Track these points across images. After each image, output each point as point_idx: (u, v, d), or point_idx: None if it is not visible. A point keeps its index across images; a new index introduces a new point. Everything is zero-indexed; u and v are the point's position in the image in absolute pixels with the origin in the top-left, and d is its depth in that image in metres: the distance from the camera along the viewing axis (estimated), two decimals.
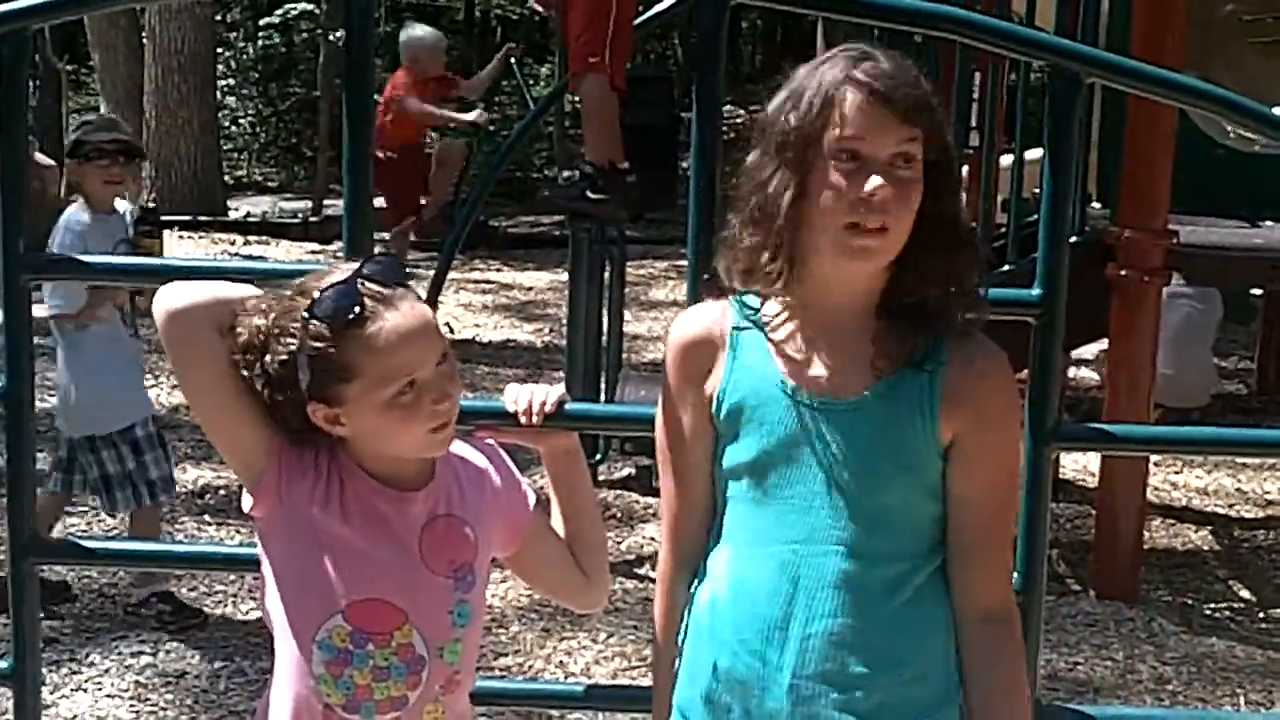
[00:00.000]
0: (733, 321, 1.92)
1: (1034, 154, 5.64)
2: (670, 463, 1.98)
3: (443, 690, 1.94)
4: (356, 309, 1.81)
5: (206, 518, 5.46)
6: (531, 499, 2.06)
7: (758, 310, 1.91)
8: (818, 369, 1.87)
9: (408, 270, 1.91)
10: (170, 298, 1.89)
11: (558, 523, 2.12)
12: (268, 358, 1.84)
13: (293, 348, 1.82)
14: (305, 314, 1.82)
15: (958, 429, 1.85)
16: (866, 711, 1.83)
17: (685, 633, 1.97)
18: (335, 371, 1.82)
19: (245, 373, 1.85)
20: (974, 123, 6.24)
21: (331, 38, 15.02)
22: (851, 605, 1.84)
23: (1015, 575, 2.21)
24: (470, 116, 9.00)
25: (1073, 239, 2.35)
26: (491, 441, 2.07)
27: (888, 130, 1.77)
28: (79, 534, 5.08)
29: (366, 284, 1.83)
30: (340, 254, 2.24)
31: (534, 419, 2.08)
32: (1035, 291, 2.23)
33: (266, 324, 1.84)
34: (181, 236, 11.96)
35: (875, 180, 1.76)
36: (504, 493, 2.02)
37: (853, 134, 1.78)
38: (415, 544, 1.91)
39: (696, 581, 1.97)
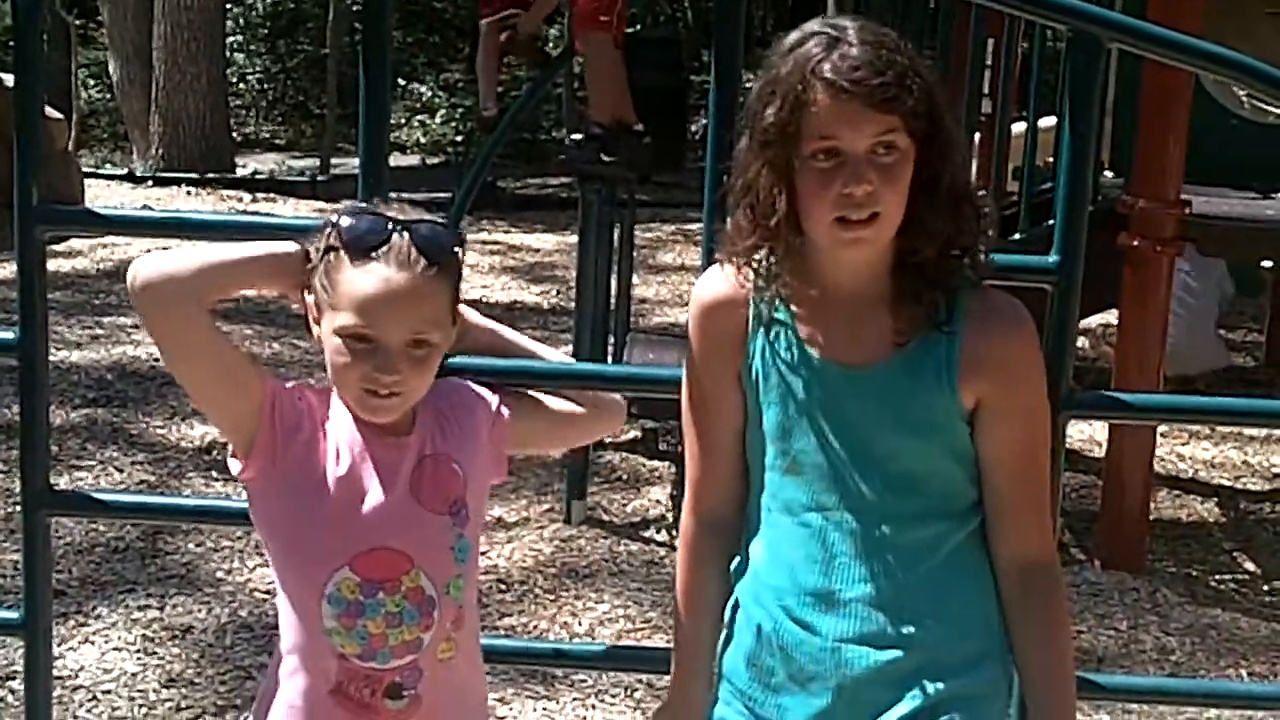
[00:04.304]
0: (755, 286, 1.90)
1: (1047, 122, 5.61)
2: (694, 423, 1.97)
3: (453, 627, 1.95)
4: (362, 247, 1.84)
5: (213, 473, 5.47)
6: (496, 402, 2.04)
7: (777, 280, 1.88)
8: (838, 336, 1.86)
9: (455, 248, 1.91)
10: (143, 270, 1.86)
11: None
12: (319, 237, 1.90)
13: (330, 237, 1.88)
14: (336, 217, 1.88)
15: (980, 393, 1.84)
16: (908, 671, 1.84)
17: (732, 606, 1.97)
18: (330, 280, 1.87)
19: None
20: (986, 90, 6.20)
21: None
22: (886, 569, 1.84)
23: None
24: None
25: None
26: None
27: (862, 124, 1.75)
28: (89, 487, 5.10)
29: (403, 235, 1.85)
30: None
31: None
32: (1053, 258, 2.22)
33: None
34: (189, 193, 11.94)
35: (853, 180, 1.75)
36: (481, 420, 2.01)
37: (827, 134, 1.76)
38: (409, 486, 1.92)
39: (739, 555, 1.96)
